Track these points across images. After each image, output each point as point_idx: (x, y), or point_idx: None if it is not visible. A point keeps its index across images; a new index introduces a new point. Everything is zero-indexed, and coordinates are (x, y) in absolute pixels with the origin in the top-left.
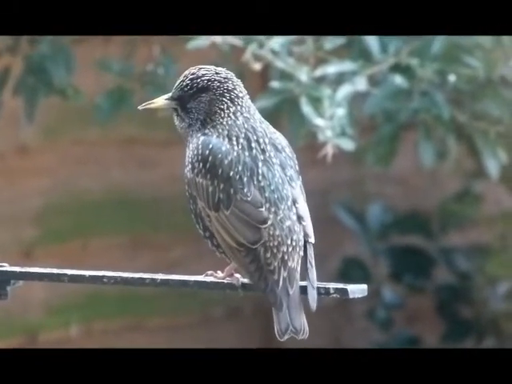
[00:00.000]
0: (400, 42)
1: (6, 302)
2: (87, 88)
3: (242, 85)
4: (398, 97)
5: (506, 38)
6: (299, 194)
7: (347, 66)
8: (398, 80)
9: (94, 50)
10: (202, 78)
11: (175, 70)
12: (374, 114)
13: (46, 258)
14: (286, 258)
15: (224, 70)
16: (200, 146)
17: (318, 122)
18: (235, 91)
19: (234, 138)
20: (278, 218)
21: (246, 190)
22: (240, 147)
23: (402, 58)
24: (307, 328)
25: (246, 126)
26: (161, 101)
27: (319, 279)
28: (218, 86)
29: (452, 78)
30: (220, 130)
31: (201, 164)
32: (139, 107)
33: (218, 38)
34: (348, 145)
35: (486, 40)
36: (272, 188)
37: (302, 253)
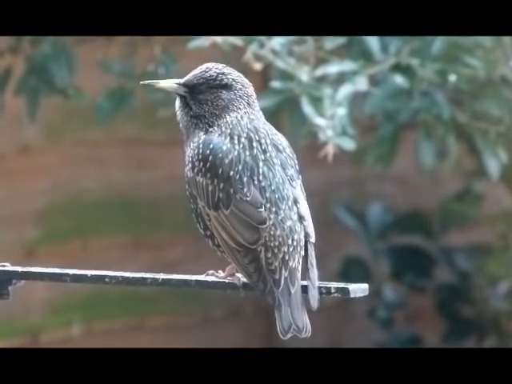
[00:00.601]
0: (400, 42)
1: (8, 301)
2: (89, 88)
3: (252, 89)
4: (398, 97)
5: (506, 38)
6: (300, 193)
7: (348, 65)
8: (399, 80)
9: (96, 50)
10: (228, 76)
11: (176, 69)
12: (374, 114)
13: (47, 258)
14: (286, 257)
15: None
16: (201, 145)
17: (319, 121)
18: (253, 97)
19: (236, 137)
20: (279, 217)
21: (245, 190)
22: (241, 146)
23: (403, 58)
24: (310, 326)
25: (249, 126)
26: (169, 83)
27: (320, 279)
28: (240, 89)
29: (452, 77)
30: (223, 129)
31: (201, 163)
32: (142, 82)
33: (218, 38)
34: (349, 144)
35: (486, 40)
36: (273, 188)
37: (303, 252)
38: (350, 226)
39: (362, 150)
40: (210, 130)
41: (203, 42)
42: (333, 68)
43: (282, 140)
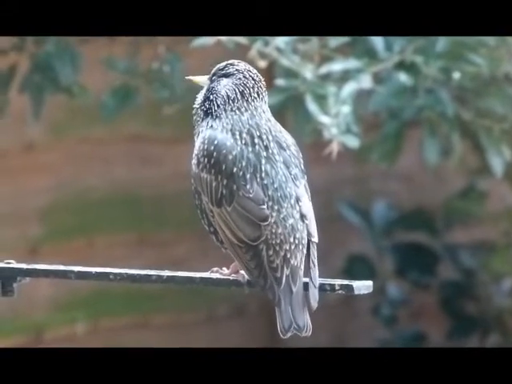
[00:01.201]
0: (405, 40)
1: (13, 298)
2: (93, 86)
3: (261, 86)
4: (402, 94)
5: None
6: (303, 192)
7: (352, 63)
8: (403, 78)
9: (100, 48)
10: (234, 67)
11: (180, 67)
12: (378, 112)
13: (51, 256)
14: (288, 256)
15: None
16: (206, 141)
17: (323, 119)
18: (254, 90)
19: (238, 133)
20: (281, 216)
21: (248, 187)
22: (243, 142)
23: (407, 56)
24: (310, 325)
25: (250, 122)
26: (203, 79)
27: (324, 276)
28: (239, 78)
29: (456, 75)
30: (224, 124)
31: (206, 159)
32: (186, 77)
33: (223, 36)
34: (353, 142)
35: (490, 38)
36: (275, 186)
37: (305, 251)
38: (354, 224)
39: (366, 148)
40: (213, 124)
41: (207, 40)
42: (337, 66)
43: (286, 137)
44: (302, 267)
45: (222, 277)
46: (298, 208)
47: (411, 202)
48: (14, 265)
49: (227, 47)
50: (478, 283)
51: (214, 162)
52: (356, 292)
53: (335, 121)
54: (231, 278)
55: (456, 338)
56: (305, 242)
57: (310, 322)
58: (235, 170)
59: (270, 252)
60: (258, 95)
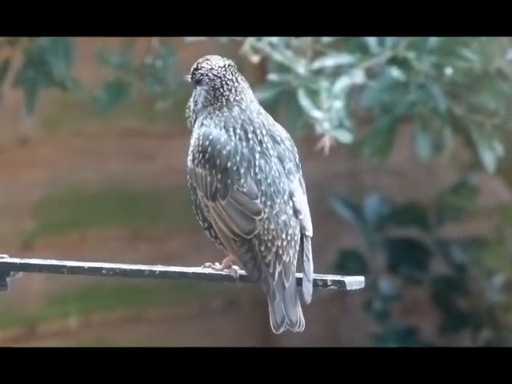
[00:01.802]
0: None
1: (6, 293)
2: (86, 80)
3: (237, 78)
4: (394, 89)
5: None
6: (297, 187)
7: (344, 58)
8: (395, 73)
9: (93, 42)
10: (199, 71)
11: (174, 62)
12: (370, 107)
13: (44, 250)
14: (280, 252)
15: (223, 62)
16: (201, 137)
17: (316, 114)
18: (223, 88)
19: (231, 129)
20: (274, 212)
21: (242, 181)
22: (237, 138)
23: (399, 51)
24: (303, 320)
25: (242, 117)
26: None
27: (316, 271)
28: (207, 82)
29: (448, 70)
30: (216, 121)
31: (200, 155)
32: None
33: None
34: (345, 137)
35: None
36: (268, 181)
37: (298, 247)
38: (347, 219)
39: (358, 143)
40: (205, 122)
41: None
42: (330, 61)
43: (280, 131)
44: (295, 263)
45: (215, 272)
46: (291, 204)
47: (403, 197)
48: (8, 259)
49: (220, 41)
50: (470, 278)
51: (209, 157)
52: (348, 287)
53: (328, 115)
54: (224, 273)
55: (448, 333)
56: (297, 238)
57: (302, 317)
58: (229, 164)
59: (262, 248)
60: (231, 90)
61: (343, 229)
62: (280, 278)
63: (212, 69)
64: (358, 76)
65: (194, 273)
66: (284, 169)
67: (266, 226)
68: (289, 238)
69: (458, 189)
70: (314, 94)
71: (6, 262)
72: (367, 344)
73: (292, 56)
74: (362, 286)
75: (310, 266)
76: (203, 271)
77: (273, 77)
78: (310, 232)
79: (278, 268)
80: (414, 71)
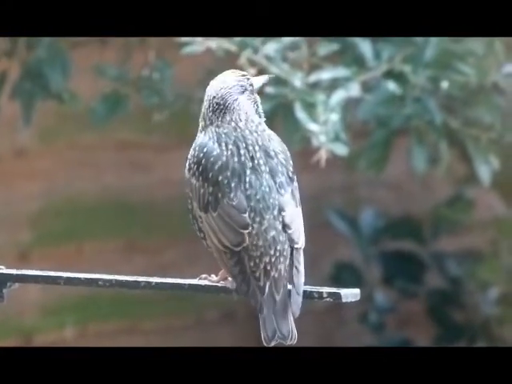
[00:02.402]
0: (393, 49)
1: (2, 304)
2: (83, 92)
3: (237, 99)
4: (390, 103)
5: (498, 45)
6: (288, 200)
7: (341, 71)
8: (391, 86)
9: (90, 54)
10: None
11: (170, 74)
12: (367, 120)
13: (41, 261)
14: (268, 268)
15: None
16: (197, 149)
17: (312, 127)
18: (208, 109)
19: (224, 144)
20: (263, 227)
21: (232, 195)
22: (229, 153)
23: (395, 65)
24: (296, 333)
25: (235, 133)
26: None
27: (312, 283)
28: (206, 100)
29: (444, 84)
30: (210, 136)
31: (195, 166)
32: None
33: (212, 44)
34: (341, 150)
35: (478, 47)
36: (258, 197)
37: (288, 262)
38: (342, 231)
39: (354, 156)
40: (201, 135)
41: (197, 47)
42: (326, 74)
43: (276, 145)
44: (287, 275)
45: (211, 283)
46: (280, 219)
47: (399, 210)
48: (4, 270)
49: (217, 54)
50: (465, 292)
51: (202, 170)
52: (343, 300)
53: (324, 128)
54: (220, 284)
55: (443, 345)
56: (287, 253)
57: (295, 329)
58: (220, 178)
59: (251, 263)
60: (214, 111)
61: (339, 241)
62: (270, 291)
63: (212, 86)
64: (354, 89)
65: (190, 284)
66: (275, 183)
67: (254, 242)
68: (277, 253)
69: (453, 202)
70: (310, 107)
71: (3, 273)
72: None
73: (288, 69)
74: (358, 298)
75: (299, 278)
76: (199, 283)
77: (269, 90)
78: (300, 244)
79: (268, 282)
80: (410, 85)
